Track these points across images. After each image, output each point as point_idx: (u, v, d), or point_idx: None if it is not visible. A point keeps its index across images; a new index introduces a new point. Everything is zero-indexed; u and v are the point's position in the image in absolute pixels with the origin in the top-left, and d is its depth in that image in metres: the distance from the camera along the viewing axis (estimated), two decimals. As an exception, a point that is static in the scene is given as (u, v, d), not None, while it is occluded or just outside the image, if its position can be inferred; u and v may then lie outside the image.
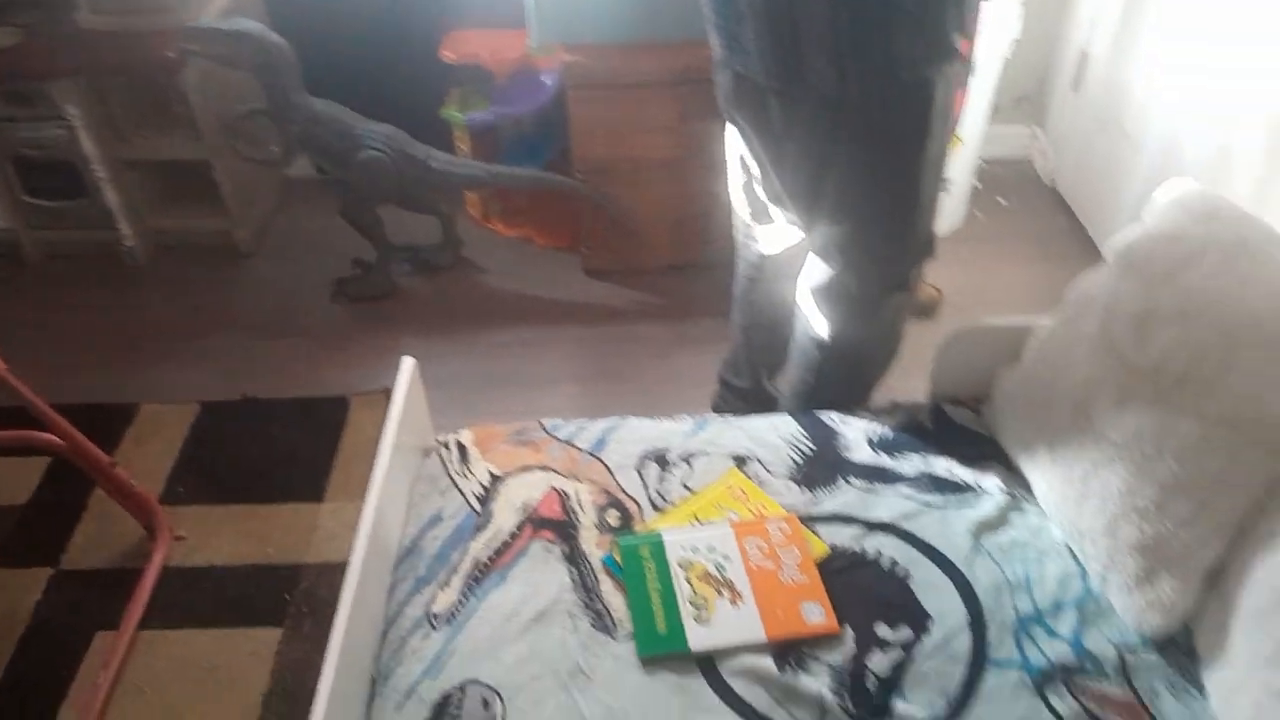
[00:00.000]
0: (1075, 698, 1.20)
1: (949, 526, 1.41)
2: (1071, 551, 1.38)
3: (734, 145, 1.69)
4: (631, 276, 2.74)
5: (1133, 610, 1.27)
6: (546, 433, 1.58)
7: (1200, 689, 1.22)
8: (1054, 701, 1.19)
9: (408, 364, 1.52)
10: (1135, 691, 1.22)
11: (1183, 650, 1.27)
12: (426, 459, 1.54)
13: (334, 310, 2.64)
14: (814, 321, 1.67)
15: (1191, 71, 2.26)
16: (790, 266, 1.76)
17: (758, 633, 1.25)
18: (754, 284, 1.89)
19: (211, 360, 2.46)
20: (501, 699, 1.17)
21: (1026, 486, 1.48)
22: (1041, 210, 3.07)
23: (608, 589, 1.32)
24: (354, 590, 1.17)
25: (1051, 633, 1.28)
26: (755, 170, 1.64)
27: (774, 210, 1.69)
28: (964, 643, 1.26)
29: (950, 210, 2.93)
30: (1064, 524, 1.39)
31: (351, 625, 1.15)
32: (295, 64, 2.40)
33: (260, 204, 2.96)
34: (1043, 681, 1.21)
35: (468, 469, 1.50)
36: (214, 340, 2.53)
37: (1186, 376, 1.27)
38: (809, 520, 1.43)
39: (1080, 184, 2.96)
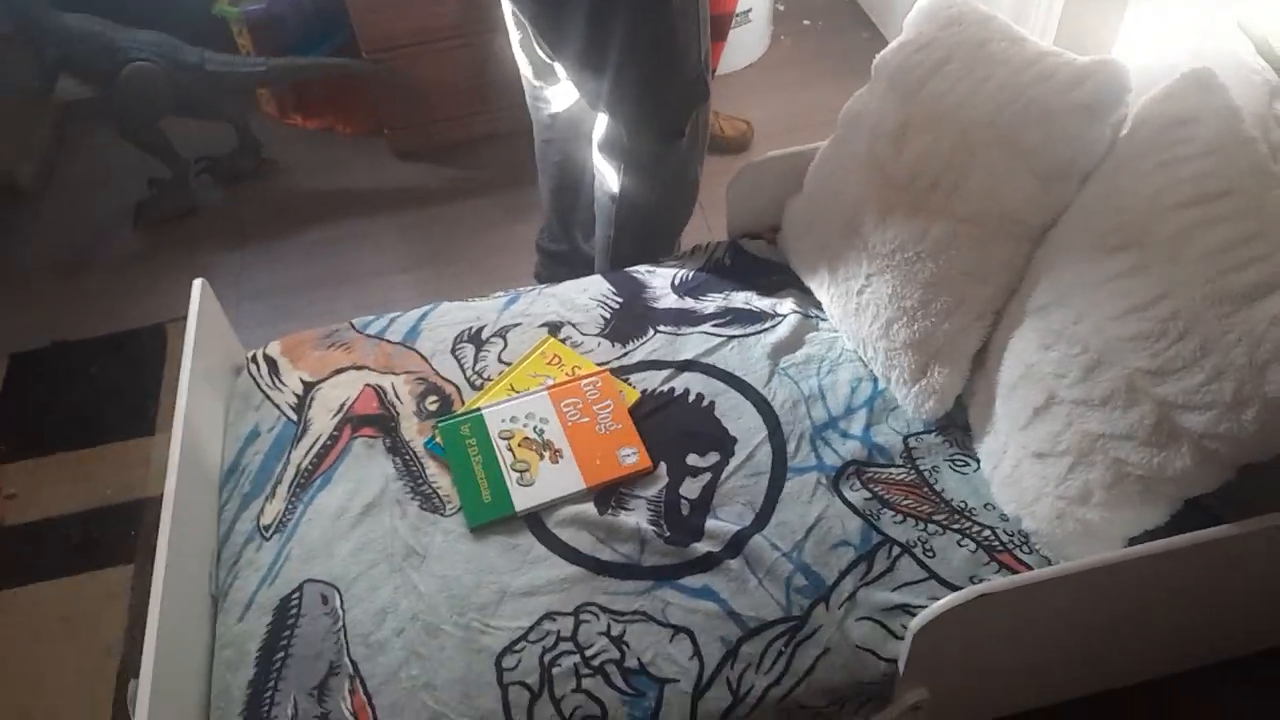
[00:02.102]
0: (865, 486, 1.33)
1: (748, 354, 1.50)
2: (860, 358, 1.49)
3: (505, 1, 1.65)
4: (443, 153, 2.68)
5: (912, 400, 1.39)
6: (357, 331, 1.58)
7: (975, 460, 1.37)
8: (847, 494, 1.32)
9: (198, 287, 1.49)
10: (919, 471, 1.36)
11: (960, 428, 1.41)
12: (238, 378, 1.54)
13: (137, 237, 2.52)
14: (604, 176, 1.69)
15: None
16: (583, 123, 1.76)
17: (578, 483, 1.33)
18: (550, 145, 1.89)
19: (13, 311, 2.33)
20: (339, 591, 1.23)
21: (819, 305, 1.58)
22: (845, 26, 3.09)
23: (433, 472, 1.37)
24: (171, 518, 1.19)
25: (845, 434, 1.40)
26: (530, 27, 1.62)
27: (556, 67, 1.68)
28: (765, 456, 1.36)
29: (754, 39, 2.93)
30: (849, 334, 1.50)
31: (176, 550, 1.17)
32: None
33: (37, 138, 2.75)
34: (837, 478, 1.34)
35: (279, 381, 1.50)
36: (12, 290, 2.39)
37: (937, 182, 1.36)
38: (621, 372, 1.50)
39: (876, -5, 2.99)
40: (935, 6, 1.45)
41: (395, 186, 2.61)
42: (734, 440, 1.39)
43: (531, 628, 1.19)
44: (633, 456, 1.36)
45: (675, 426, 1.41)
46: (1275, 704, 1.45)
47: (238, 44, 2.62)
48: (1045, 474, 1.22)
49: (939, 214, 1.35)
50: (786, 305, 1.58)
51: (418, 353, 1.54)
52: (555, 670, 1.15)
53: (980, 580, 1.22)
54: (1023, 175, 1.28)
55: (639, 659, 1.16)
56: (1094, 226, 1.20)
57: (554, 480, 1.34)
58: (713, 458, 1.37)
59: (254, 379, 1.51)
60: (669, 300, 1.62)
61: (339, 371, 1.51)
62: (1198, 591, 1.24)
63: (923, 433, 1.41)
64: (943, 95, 1.37)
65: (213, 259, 2.41)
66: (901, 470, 1.36)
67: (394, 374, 1.51)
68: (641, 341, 1.55)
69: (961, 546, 1.26)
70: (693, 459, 1.37)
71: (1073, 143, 1.25)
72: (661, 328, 1.56)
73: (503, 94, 2.58)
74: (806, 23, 3.12)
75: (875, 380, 1.47)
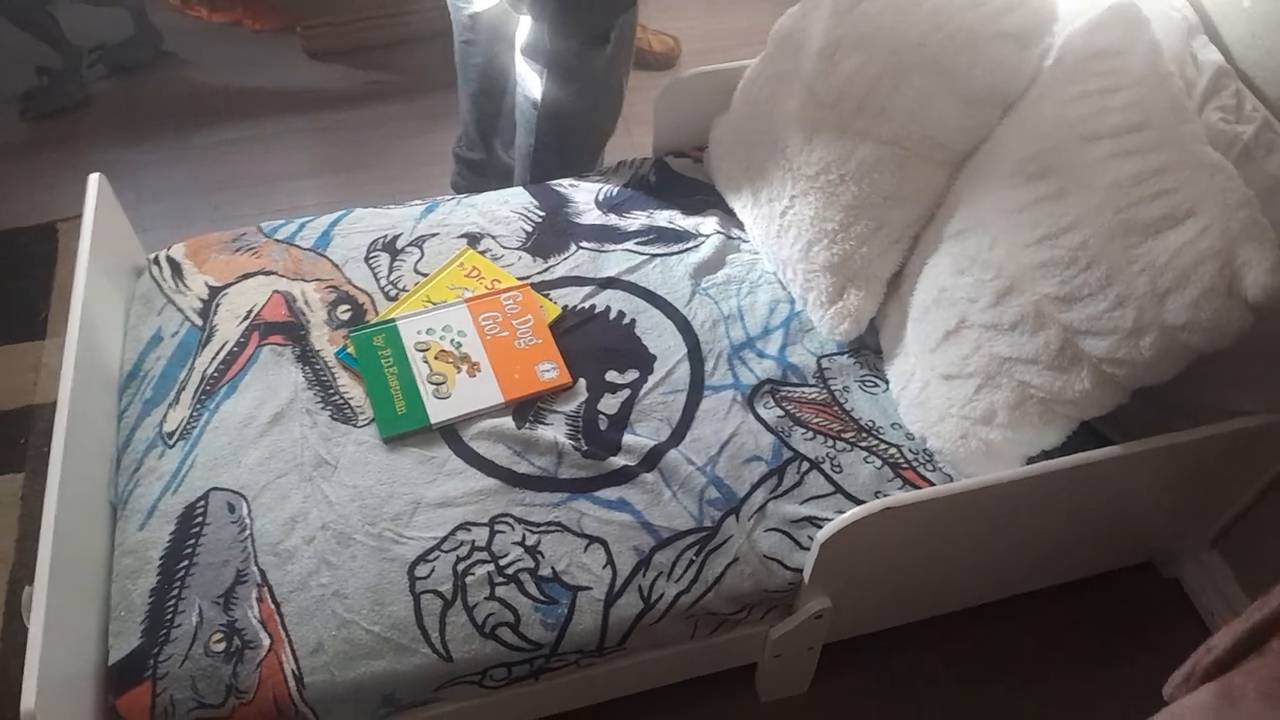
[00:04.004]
0: (779, 405, 1.35)
1: (670, 273, 1.50)
2: (780, 281, 1.50)
3: None
4: (357, 55, 2.56)
5: (827, 322, 1.42)
6: (266, 236, 1.52)
7: (885, 382, 1.40)
8: (761, 411, 1.34)
9: (94, 182, 1.40)
10: (830, 391, 1.38)
11: (872, 350, 1.44)
12: (139, 279, 1.47)
13: (24, 128, 2.35)
14: (526, 81, 1.64)
15: None
16: (505, 25, 1.70)
17: (495, 397, 1.32)
18: (470, 46, 1.82)
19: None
20: (246, 499, 1.20)
21: (741, 226, 1.58)
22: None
23: (345, 382, 1.34)
24: (65, 424, 1.13)
25: (761, 354, 1.41)
26: None
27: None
28: (684, 374, 1.37)
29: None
30: (770, 256, 1.50)
31: (71, 457, 1.12)
32: None
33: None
34: (752, 396, 1.36)
35: (183, 284, 1.44)
36: (-119, 178, 2.22)
37: (864, 103, 1.36)
38: (542, 287, 1.48)
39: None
40: (871, -74, 1.42)
41: (307, 87, 2.49)
42: (654, 358, 1.39)
43: (445, 537, 1.19)
44: (552, 372, 1.35)
45: (595, 343, 1.40)
46: (1128, 612, 1.55)
47: (136, -76, 2.44)
48: (951, 395, 1.26)
49: (864, 136, 1.35)
50: (710, 225, 1.58)
51: (329, 260, 1.49)
52: (469, 579, 1.16)
53: (885, 495, 1.26)
54: (948, 100, 1.29)
55: (553, 568, 1.18)
56: (1013, 154, 1.22)
57: (471, 394, 1.32)
58: (632, 375, 1.37)
59: (156, 282, 1.45)
60: (592, 216, 1.59)
61: (246, 277, 1.45)
62: (1081, 509, 1.31)
63: (835, 354, 1.43)
64: (874, 16, 1.36)
65: (107, 156, 2.27)
66: (814, 390, 1.38)
67: (304, 281, 1.46)
68: (563, 257, 1.53)
69: (868, 463, 1.30)
70: (612, 375, 1.37)
71: (998, 70, 1.27)
72: (584, 244, 1.54)
73: (420, -5, 2.48)
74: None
75: (792, 302, 1.48)
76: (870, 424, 1.35)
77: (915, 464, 1.31)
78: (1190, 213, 1.03)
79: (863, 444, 1.32)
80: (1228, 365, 1.11)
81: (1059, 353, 1.13)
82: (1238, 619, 0.76)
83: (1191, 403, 1.26)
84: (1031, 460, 1.22)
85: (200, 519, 1.18)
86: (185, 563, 1.15)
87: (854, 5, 1.39)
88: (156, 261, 1.48)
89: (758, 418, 1.33)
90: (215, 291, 1.43)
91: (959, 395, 1.25)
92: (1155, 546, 1.55)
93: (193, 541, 1.16)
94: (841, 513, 1.15)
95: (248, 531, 1.18)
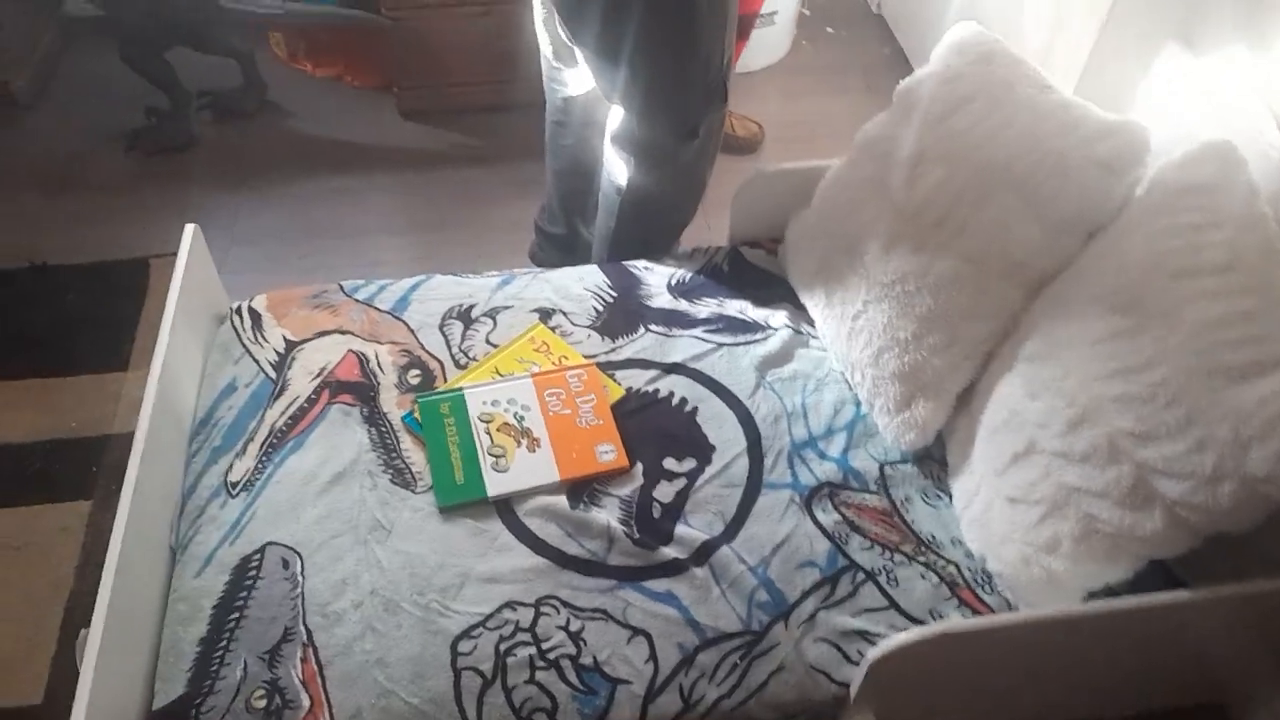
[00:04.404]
0: (838, 509, 1.33)
1: (736, 363, 1.50)
2: (847, 381, 1.49)
3: None
4: (449, 117, 2.65)
5: (893, 430, 1.40)
6: (346, 295, 1.57)
7: (948, 495, 1.38)
8: (819, 515, 1.32)
9: (189, 232, 1.46)
10: (891, 500, 1.36)
11: (937, 462, 1.42)
12: (220, 327, 1.51)
13: (129, 164, 2.47)
14: (613, 167, 1.68)
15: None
16: (596, 110, 1.74)
17: (552, 474, 1.33)
18: (561, 128, 1.87)
19: (-6, 225, 2.28)
20: (301, 556, 1.22)
21: (812, 322, 1.58)
22: (868, 39, 3.08)
23: (408, 446, 1.36)
24: (139, 461, 1.17)
25: (823, 455, 1.40)
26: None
27: (576, 50, 1.66)
28: (742, 468, 1.37)
29: (776, 40, 2.92)
30: (839, 356, 1.50)
31: (140, 496, 1.15)
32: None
33: (38, 47, 2.68)
34: (810, 498, 1.34)
35: (262, 336, 1.48)
36: (-6, 203, 2.35)
37: (945, 218, 1.36)
38: (608, 367, 1.49)
39: (903, 13, 2.97)
40: (966, 41, 1.44)
41: (399, 146, 2.58)
42: (713, 449, 1.38)
43: (491, 615, 1.18)
44: (610, 454, 1.36)
45: (656, 428, 1.41)
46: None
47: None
48: (1016, 519, 1.23)
49: (943, 250, 1.35)
50: (779, 319, 1.58)
51: (405, 324, 1.53)
52: (510, 660, 1.15)
53: (940, 614, 1.23)
54: (1031, 223, 1.28)
55: (595, 657, 1.16)
56: (1095, 284, 1.21)
57: (529, 469, 1.33)
58: (690, 464, 1.37)
59: (236, 331, 1.49)
60: (663, 300, 1.61)
61: (323, 334, 1.49)
62: (1148, 647, 1.26)
63: (899, 462, 1.41)
64: (963, 132, 1.37)
65: (205, 197, 2.37)
66: (874, 496, 1.36)
67: (378, 343, 1.49)
68: (632, 338, 1.54)
69: (925, 579, 1.27)
70: (670, 463, 1.37)
71: (1086, 197, 1.26)
72: (653, 327, 1.55)
73: (520, 65, 2.54)
74: (830, 30, 3.11)
75: (858, 404, 1.47)
76: (930, 537, 1.32)
77: (974, 584, 1.27)
78: (1278, 362, 1.01)
79: (921, 558, 1.29)
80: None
81: (1131, 490, 1.10)
82: None
83: (1270, 549, 1.21)
84: (1095, 594, 1.18)
85: (255, 572, 1.20)
86: (236, 615, 1.17)
87: (943, 119, 1.40)
88: (238, 311, 1.52)
89: (815, 521, 1.31)
90: (291, 345, 1.47)
91: (1023, 520, 1.21)
92: (1227, 688, 1.47)
93: (245, 594, 1.18)
94: (895, 628, 1.13)
95: (299, 589, 1.19)
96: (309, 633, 1.15)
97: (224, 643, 1.14)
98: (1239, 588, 1.15)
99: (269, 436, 1.34)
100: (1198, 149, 1.20)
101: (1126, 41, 1.71)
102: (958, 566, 1.29)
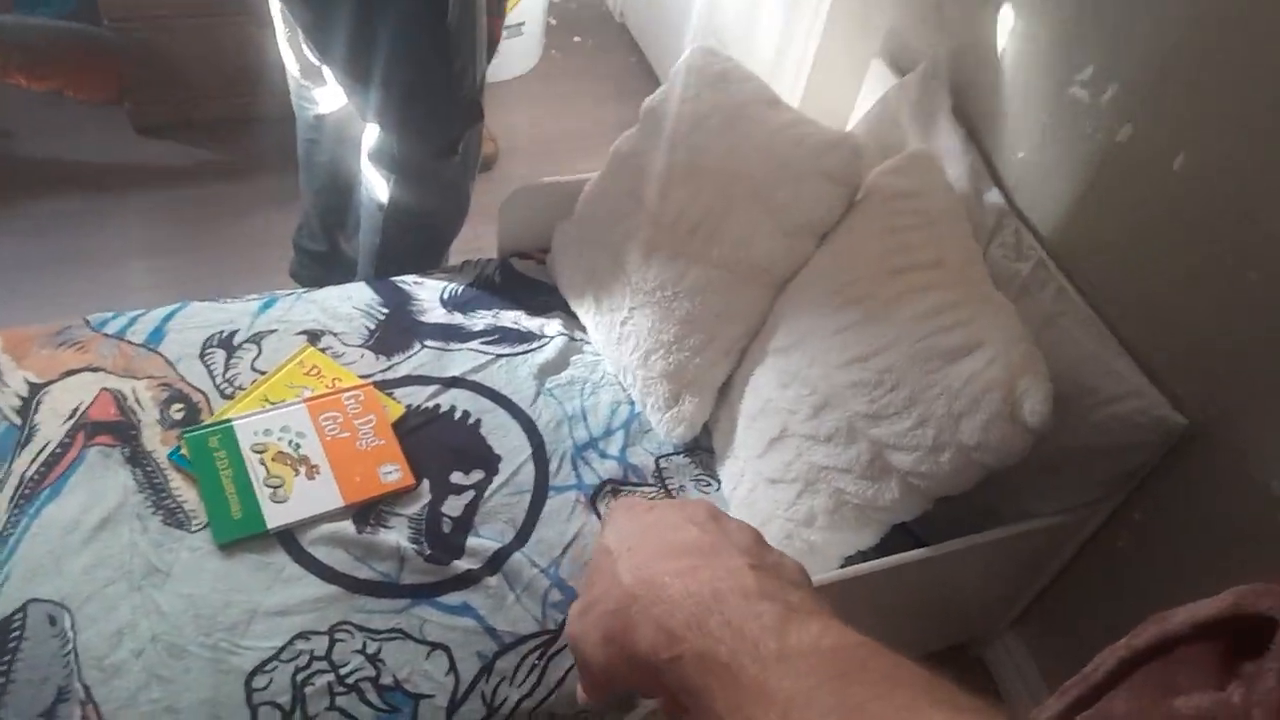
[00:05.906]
0: (619, 507, 1.41)
1: (515, 373, 1.55)
2: (620, 383, 1.58)
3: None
4: (191, 132, 2.51)
5: (664, 425, 1.50)
6: (94, 329, 1.47)
7: (717, 481, 1.49)
8: (603, 511, 1.40)
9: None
10: (667, 490, 1.46)
11: (706, 451, 1.53)
12: (-52, 373, 1.38)
13: None
14: (373, 184, 1.67)
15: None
16: (350, 127, 1.73)
17: (335, 500, 1.32)
18: (314, 145, 1.84)
19: None
20: (69, 610, 1.15)
21: (584, 329, 1.65)
22: (614, 47, 3.19)
23: (178, 485, 1.30)
24: None
25: (603, 454, 1.48)
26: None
27: (324, 70, 1.64)
28: (528, 475, 1.42)
29: (526, 50, 2.98)
30: (610, 359, 1.58)
31: None
32: None
33: None
34: (595, 496, 1.41)
35: (0, 381, 1.37)
36: None
37: (697, 227, 1.47)
38: (385, 385, 1.49)
39: (647, 23, 3.11)
40: (702, 62, 1.54)
41: (138, 163, 2.41)
42: (499, 458, 1.43)
43: (284, 647, 1.17)
44: (395, 473, 1.37)
45: (440, 443, 1.43)
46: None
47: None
48: (776, 498, 1.36)
49: (697, 259, 1.46)
50: (554, 327, 1.64)
51: (162, 356, 1.46)
52: (308, 689, 1.14)
53: (717, 594, 1.33)
54: (771, 229, 1.42)
55: (395, 676, 1.18)
56: (828, 281, 1.36)
57: (310, 497, 1.32)
58: (477, 475, 1.40)
59: (-32, 377, 1.37)
60: (437, 314, 1.63)
61: (71, 373, 1.40)
62: (899, 602, 1.43)
63: (672, 454, 1.51)
64: (705, 148, 1.48)
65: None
66: (652, 489, 1.46)
67: (135, 378, 1.41)
68: (408, 355, 1.55)
69: (702, 562, 1.37)
70: (457, 476, 1.40)
71: (816, 204, 1.41)
72: (429, 342, 1.57)
73: (264, 77, 2.45)
74: (578, 39, 3.21)
75: (632, 404, 1.56)
76: (703, 523, 1.43)
77: (744, 561, 1.39)
78: (979, 344, 1.18)
79: (696, 543, 1.40)
80: (1019, 476, 1.25)
81: (870, 464, 1.25)
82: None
83: (992, 505, 1.40)
84: (850, 559, 1.33)
85: (18, 633, 1.12)
86: (2, 680, 1.08)
87: (687, 136, 1.50)
88: (-31, 355, 1.40)
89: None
90: (36, 389, 1.37)
91: (783, 499, 1.35)
92: (967, 629, 1.69)
93: (9, 659, 1.10)
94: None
95: (70, 645, 1.12)
96: (86, 689, 1.09)
97: (-14, 715, 1.06)
98: (965, 540, 1.32)
99: (20, 487, 1.25)
100: (902, 158, 1.38)
101: (838, 59, 1.91)
102: (730, 546, 1.41)
